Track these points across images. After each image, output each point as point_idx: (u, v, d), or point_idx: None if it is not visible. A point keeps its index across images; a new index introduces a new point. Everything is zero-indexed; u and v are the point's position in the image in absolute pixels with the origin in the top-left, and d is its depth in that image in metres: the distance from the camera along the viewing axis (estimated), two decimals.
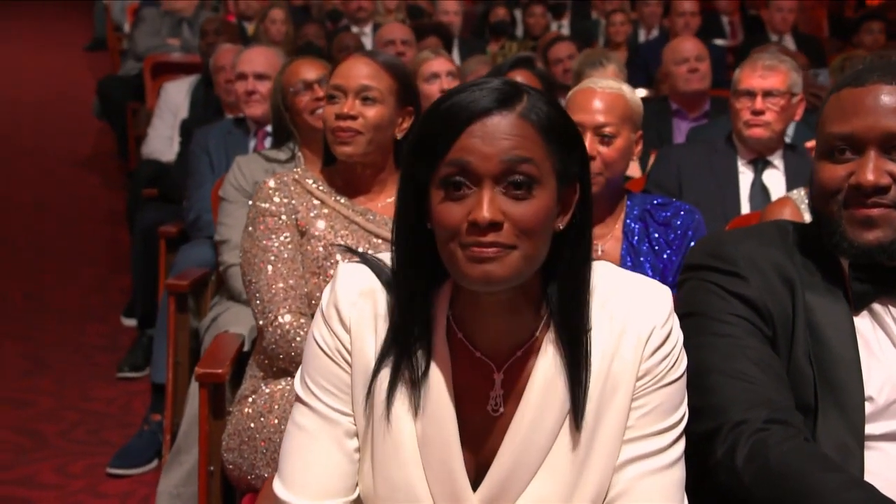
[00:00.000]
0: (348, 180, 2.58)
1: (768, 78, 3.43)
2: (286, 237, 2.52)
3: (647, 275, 2.70)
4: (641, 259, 2.72)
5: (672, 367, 1.50)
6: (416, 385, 1.47)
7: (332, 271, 2.45)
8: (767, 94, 3.42)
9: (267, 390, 2.48)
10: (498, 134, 1.37)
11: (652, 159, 3.84)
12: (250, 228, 2.54)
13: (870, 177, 1.69)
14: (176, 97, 5.31)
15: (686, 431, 1.56)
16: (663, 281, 2.63)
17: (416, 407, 1.47)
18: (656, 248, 2.71)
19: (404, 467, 1.48)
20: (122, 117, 6.43)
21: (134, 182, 5.11)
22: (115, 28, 9.03)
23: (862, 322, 1.75)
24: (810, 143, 3.42)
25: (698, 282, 1.78)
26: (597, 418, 1.47)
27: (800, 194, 2.84)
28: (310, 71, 3.34)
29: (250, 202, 2.59)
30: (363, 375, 1.50)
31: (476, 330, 1.48)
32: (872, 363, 1.72)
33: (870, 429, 1.69)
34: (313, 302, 2.45)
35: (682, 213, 2.76)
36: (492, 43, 7.00)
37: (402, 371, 1.47)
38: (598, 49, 4.63)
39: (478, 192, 1.37)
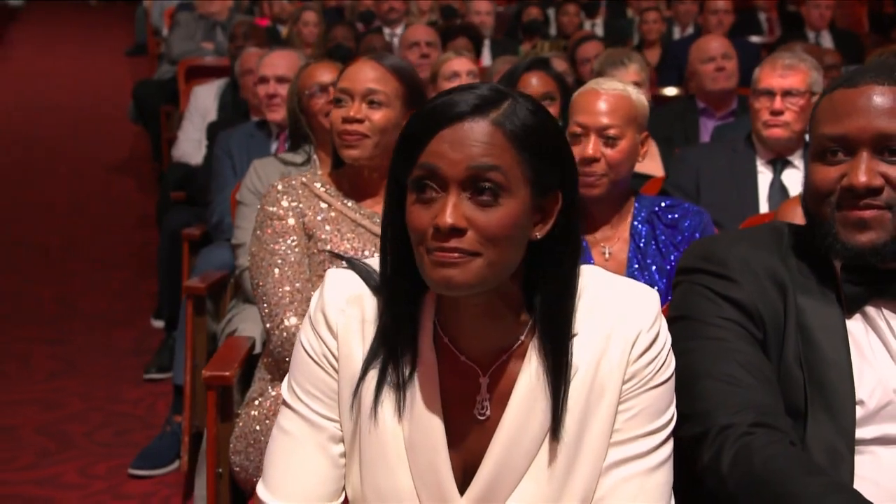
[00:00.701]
0: (355, 183, 2.59)
1: (788, 77, 3.39)
2: (293, 241, 2.53)
3: (654, 278, 2.71)
4: (648, 261, 2.70)
5: (659, 370, 1.50)
6: (403, 389, 1.48)
7: None
8: (787, 93, 3.38)
9: (273, 393, 2.50)
10: (467, 140, 1.38)
11: None
12: (258, 232, 2.56)
13: (862, 178, 1.66)
14: (205, 100, 5.36)
15: (675, 436, 1.56)
16: (669, 284, 2.60)
17: (402, 410, 1.48)
18: (663, 250, 2.69)
19: (392, 471, 1.48)
20: (157, 121, 6.50)
21: (163, 185, 5.17)
22: (154, 32, 9.15)
23: (854, 325, 1.73)
24: None
25: (689, 285, 1.76)
26: (583, 422, 1.47)
27: None
28: (325, 74, 3.35)
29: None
30: (350, 380, 1.50)
31: (460, 335, 1.49)
32: (864, 367, 1.70)
33: (860, 433, 1.67)
34: None
35: (689, 214, 2.73)
36: (524, 43, 6.98)
37: (389, 375, 1.48)
38: (620, 49, 4.58)
39: (444, 198, 1.38)
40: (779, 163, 3.46)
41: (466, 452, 1.50)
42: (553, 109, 3.38)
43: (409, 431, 1.48)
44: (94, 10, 15.27)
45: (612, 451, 1.49)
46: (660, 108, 5.06)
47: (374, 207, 2.56)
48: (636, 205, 2.77)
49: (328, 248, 2.50)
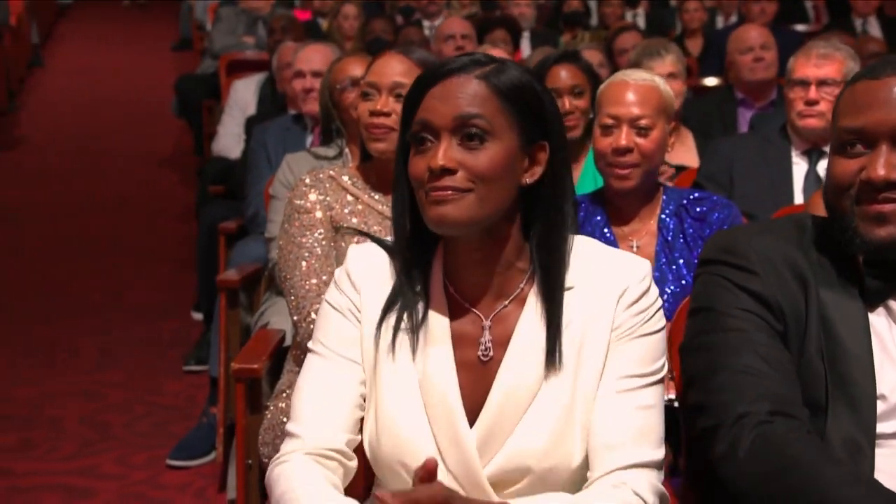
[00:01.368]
0: (383, 176, 2.61)
1: (823, 67, 3.34)
2: (320, 233, 2.55)
3: (682, 272, 2.70)
4: (675, 255, 2.69)
5: (648, 321, 1.62)
6: (417, 331, 1.62)
7: None
8: (822, 83, 3.33)
9: None
10: (453, 93, 1.55)
11: None
12: (286, 225, 2.58)
13: (881, 171, 1.64)
14: (245, 94, 5.40)
15: (692, 428, 1.60)
16: None
17: (415, 351, 1.61)
18: (690, 243, 2.67)
19: (407, 407, 1.60)
20: (199, 115, 6.57)
21: (202, 179, 5.22)
22: (198, 27, 9.23)
23: (877, 319, 1.71)
24: None
25: (710, 276, 1.76)
26: (578, 362, 1.60)
27: None
28: (357, 68, 3.35)
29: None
30: (371, 329, 1.64)
31: (464, 284, 1.64)
32: (886, 361, 1.68)
33: (881, 427, 1.66)
34: None
35: (718, 207, 2.72)
36: (564, 34, 6.95)
37: (404, 320, 1.62)
38: (657, 39, 4.54)
39: (437, 145, 1.55)
40: (814, 153, 3.41)
41: (473, 391, 1.61)
42: (582, 102, 3.36)
43: (424, 369, 1.61)
44: (141, 6, 15.46)
45: (605, 387, 1.60)
46: (698, 98, 5.02)
47: None
48: (664, 197, 2.76)
49: (355, 240, 2.52)
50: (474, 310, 1.63)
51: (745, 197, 3.33)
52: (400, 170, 1.63)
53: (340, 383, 1.64)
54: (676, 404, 2.12)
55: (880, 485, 1.53)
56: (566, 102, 3.36)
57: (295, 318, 2.50)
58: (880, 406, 1.66)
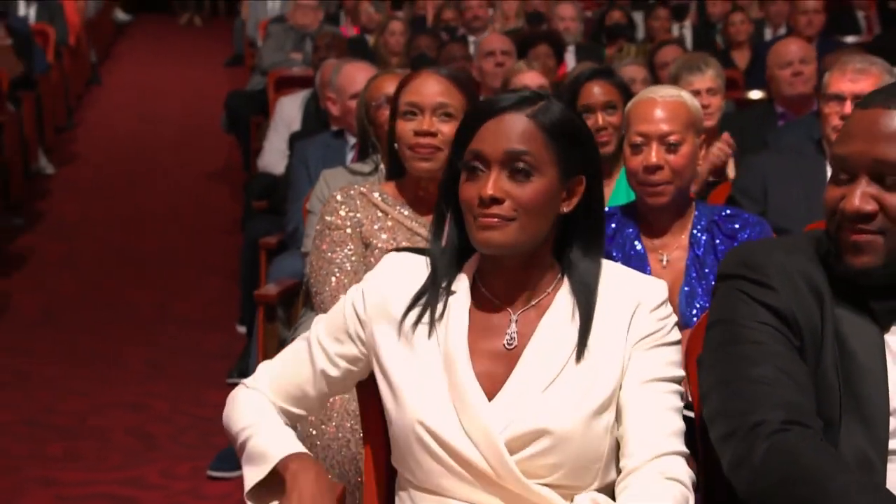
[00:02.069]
0: (417, 194, 2.65)
1: (858, 82, 3.32)
2: (350, 249, 2.60)
3: (711, 287, 2.68)
4: (706, 271, 2.70)
5: (669, 331, 1.75)
6: (437, 323, 1.76)
7: None
8: (857, 98, 3.30)
9: (331, 400, 2.56)
10: (506, 130, 1.71)
11: None
12: (317, 241, 2.64)
13: (855, 202, 1.67)
14: (290, 111, 5.47)
15: (708, 437, 1.64)
16: None
17: (438, 339, 1.75)
18: (721, 259, 2.67)
19: (431, 386, 1.73)
20: (247, 131, 6.67)
21: (247, 194, 5.31)
22: (250, 44, 9.37)
23: (892, 337, 1.73)
24: None
25: (728, 290, 1.79)
26: (597, 359, 1.72)
27: None
28: (392, 86, 3.40)
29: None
30: (395, 320, 1.78)
31: (496, 286, 1.78)
32: None
33: (893, 444, 1.68)
34: None
35: (749, 224, 2.72)
36: (609, 47, 6.96)
37: (427, 313, 1.76)
38: (697, 53, 4.54)
39: (487, 174, 1.70)
40: None
41: (496, 376, 1.73)
42: (615, 118, 3.37)
43: (444, 353, 1.74)
44: (198, 24, 15.71)
45: (633, 386, 1.72)
46: (739, 112, 5.01)
47: None
48: (696, 213, 2.77)
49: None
50: (504, 306, 1.77)
51: (780, 211, 3.33)
52: (445, 189, 1.80)
53: (311, 365, 1.83)
54: (691, 414, 2.14)
55: (892, 494, 1.54)
56: (599, 118, 3.38)
57: None
58: (893, 422, 1.68)
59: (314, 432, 2.52)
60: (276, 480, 1.75)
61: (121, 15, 14.89)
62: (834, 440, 1.66)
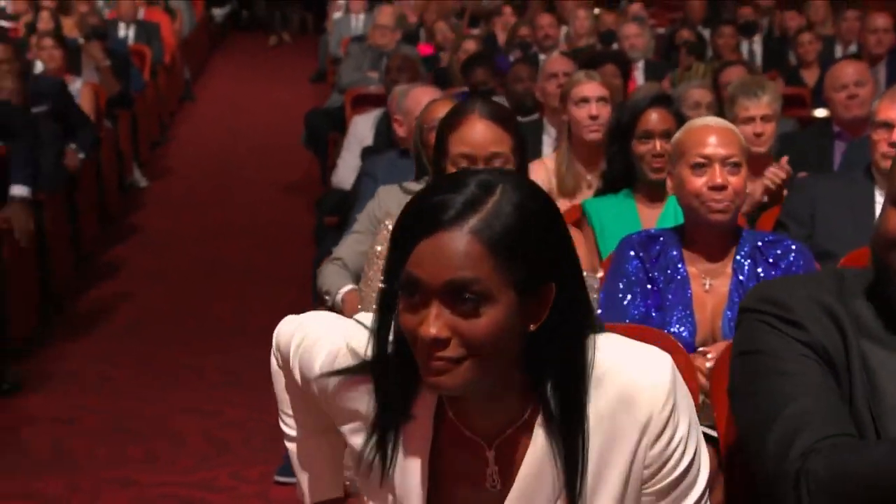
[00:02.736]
0: None
1: None
2: None
3: None
4: None
5: (680, 458, 1.51)
6: (391, 465, 1.53)
7: None
8: None
9: None
10: (445, 253, 1.38)
11: None
12: (365, 268, 2.77)
13: None
14: (364, 129, 5.66)
15: (732, 458, 1.63)
16: None
17: (392, 480, 1.54)
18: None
19: None
20: (325, 148, 6.89)
21: (319, 210, 5.51)
22: (333, 61, 9.62)
23: None
24: None
25: (755, 322, 1.76)
26: (593, 489, 1.50)
27: None
28: (444, 111, 3.57)
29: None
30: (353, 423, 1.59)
31: (465, 412, 1.51)
32: None
33: None
34: None
35: (792, 251, 2.81)
36: (678, 65, 7.01)
37: (381, 448, 1.53)
38: (756, 77, 4.59)
39: (427, 309, 1.39)
40: None
41: None
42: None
43: (399, 496, 1.55)
44: (287, 43, 16.13)
45: None
46: (800, 130, 5.04)
47: None
48: (741, 238, 2.86)
49: None
50: (475, 437, 1.51)
51: (827, 236, 3.38)
52: (384, 302, 1.49)
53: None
54: (714, 433, 2.24)
55: None
56: (657, 145, 3.45)
57: None
58: None
59: None
60: None
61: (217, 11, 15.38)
62: None
